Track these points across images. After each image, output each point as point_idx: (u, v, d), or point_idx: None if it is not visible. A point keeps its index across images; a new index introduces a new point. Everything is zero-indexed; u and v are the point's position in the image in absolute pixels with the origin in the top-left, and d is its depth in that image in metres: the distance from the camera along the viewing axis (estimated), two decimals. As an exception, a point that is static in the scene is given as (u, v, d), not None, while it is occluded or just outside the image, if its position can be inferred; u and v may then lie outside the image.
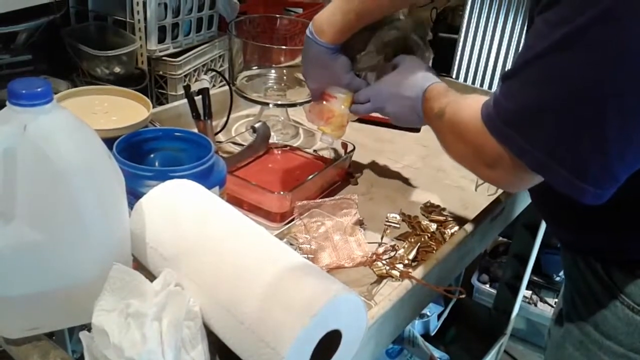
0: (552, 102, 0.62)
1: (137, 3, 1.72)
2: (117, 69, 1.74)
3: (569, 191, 0.64)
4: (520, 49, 0.68)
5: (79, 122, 0.60)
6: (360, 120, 1.34)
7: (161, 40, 1.82)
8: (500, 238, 2.02)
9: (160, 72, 1.86)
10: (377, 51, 0.92)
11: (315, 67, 0.94)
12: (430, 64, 1.48)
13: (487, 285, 1.93)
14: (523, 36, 1.77)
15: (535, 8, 0.64)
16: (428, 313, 1.68)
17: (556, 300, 1.83)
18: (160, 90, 1.89)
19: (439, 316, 1.73)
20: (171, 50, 1.86)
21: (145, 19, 1.75)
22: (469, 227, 0.93)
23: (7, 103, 0.55)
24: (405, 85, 0.88)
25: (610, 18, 0.56)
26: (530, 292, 1.91)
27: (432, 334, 1.70)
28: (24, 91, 0.55)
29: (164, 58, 1.83)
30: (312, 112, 0.99)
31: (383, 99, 0.91)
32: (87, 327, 0.59)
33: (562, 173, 0.63)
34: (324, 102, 0.96)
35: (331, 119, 0.96)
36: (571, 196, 0.64)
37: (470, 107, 0.72)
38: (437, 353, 1.59)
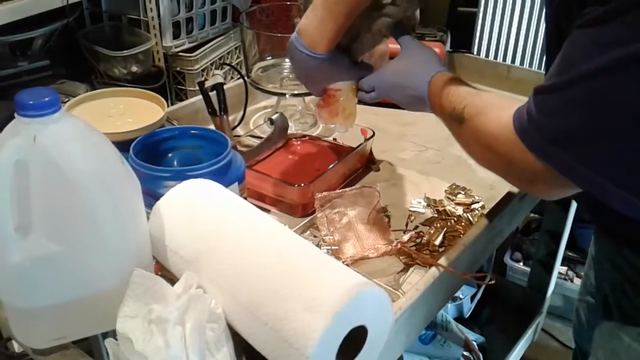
0: (607, 125, 0.58)
1: (150, 0, 1.72)
2: (135, 68, 1.74)
3: (625, 210, 0.61)
4: (556, 59, 0.62)
5: (89, 128, 0.59)
6: (380, 105, 1.31)
7: (176, 36, 1.81)
8: (532, 214, 1.97)
9: (178, 68, 1.85)
10: (373, 37, 0.90)
11: (315, 77, 0.92)
12: (449, 38, 1.44)
13: (521, 264, 1.89)
14: (543, 14, 1.71)
15: (568, 14, 0.60)
16: (461, 295, 1.66)
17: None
18: (179, 87, 1.89)
19: (472, 298, 1.70)
20: (187, 46, 1.85)
21: (158, 15, 1.75)
22: (496, 208, 0.91)
23: (15, 115, 0.55)
24: (407, 75, 0.85)
25: None
26: (565, 268, 1.87)
27: (466, 316, 1.67)
28: (31, 102, 0.54)
29: (180, 54, 1.83)
30: (322, 116, 0.97)
31: (387, 88, 0.88)
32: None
33: (619, 193, 0.60)
34: (330, 100, 0.94)
35: (341, 112, 0.94)
36: (626, 214, 0.61)
37: (499, 117, 0.68)
38: (472, 336, 1.56)
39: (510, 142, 0.66)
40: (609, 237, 0.84)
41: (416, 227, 0.94)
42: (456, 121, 0.76)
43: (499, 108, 0.69)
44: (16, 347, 1.07)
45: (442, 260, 0.78)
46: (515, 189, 0.94)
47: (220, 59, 1.95)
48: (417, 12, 0.92)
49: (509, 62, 1.88)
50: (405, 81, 0.84)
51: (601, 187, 0.60)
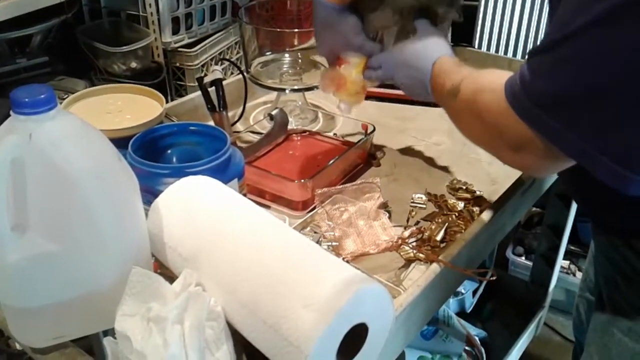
0: (595, 81, 0.56)
1: (149, -5, 1.71)
2: (134, 64, 1.73)
3: (610, 180, 0.59)
4: (547, 21, 0.61)
5: (85, 126, 0.58)
6: (381, 99, 1.30)
7: (175, 31, 1.80)
8: (534, 208, 1.97)
9: (177, 64, 1.84)
10: (393, 11, 0.87)
11: (324, 29, 0.90)
12: (449, 32, 1.43)
13: (523, 258, 1.88)
14: (545, 2, 1.70)
15: None
16: (463, 290, 1.66)
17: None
18: (178, 82, 1.88)
19: (474, 292, 1.70)
20: (186, 41, 1.84)
21: (157, 11, 1.74)
22: (498, 203, 0.90)
23: (11, 112, 0.54)
24: (414, 54, 0.83)
25: None
26: (567, 262, 1.86)
27: (468, 311, 1.67)
28: (26, 99, 0.54)
29: (179, 49, 1.82)
30: (324, 78, 0.95)
31: (392, 66, 0.87)
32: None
33: (604, 161, 0.58)
34: (337, 67, 0.92)
35: (344, 85, 0.92)
36: (613, 186, 0.59)
37: (491, 84, 0.66)
38: (474, 331, 1.56)
39: (501, 109, 0.64)
40: (603, 231, 0.83)
41: (417, 222, 0.93)
42: (452, 96, 0.74)
43: (493, 77, 0.68)
44: (17, 344, 1.07)
45: (444, 256, 0.78)
46: (518, 182, 0.94)
47: (220, 54, 1.94)
48: (452, 11, 0.90)
49: (510, 56, 1.87)
50: (412, 60, 0.83)
51: (588, 154, 0.59)
